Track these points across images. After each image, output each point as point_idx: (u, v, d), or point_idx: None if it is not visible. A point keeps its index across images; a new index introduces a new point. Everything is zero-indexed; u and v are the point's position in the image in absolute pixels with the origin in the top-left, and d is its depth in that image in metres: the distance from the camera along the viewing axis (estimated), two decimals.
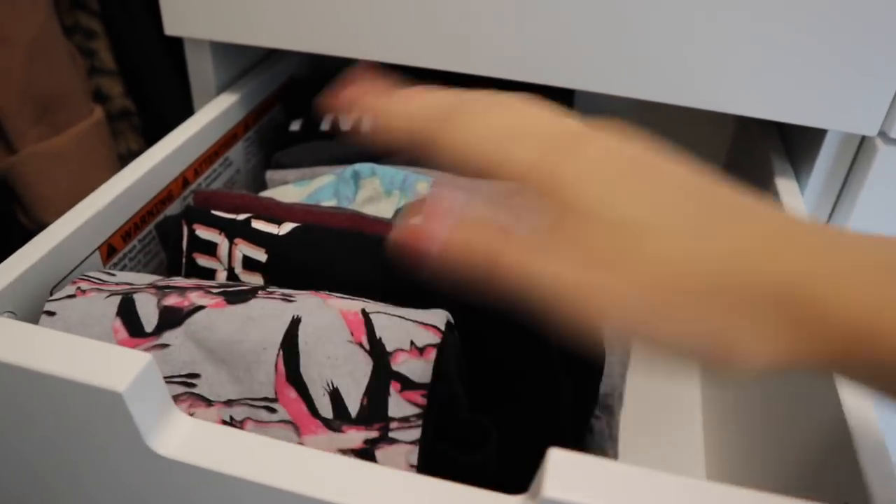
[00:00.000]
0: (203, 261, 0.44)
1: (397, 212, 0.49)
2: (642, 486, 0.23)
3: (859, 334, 0.22)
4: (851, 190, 0.51)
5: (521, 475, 0.38)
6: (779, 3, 0.45)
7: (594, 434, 0.45)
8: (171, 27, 0.55)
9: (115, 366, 0.27)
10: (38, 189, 0.60)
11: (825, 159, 0.52)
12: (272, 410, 0.34)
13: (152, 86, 0.74)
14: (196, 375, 0.35)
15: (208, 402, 0.35)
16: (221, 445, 0.28)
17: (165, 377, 0.35)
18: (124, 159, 0.73)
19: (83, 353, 0.27)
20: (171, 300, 0.37)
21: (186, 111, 0.76)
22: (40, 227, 0.62)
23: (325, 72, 0.73)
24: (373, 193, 0.49)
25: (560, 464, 0.24)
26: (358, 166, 0.50)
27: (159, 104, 0.75)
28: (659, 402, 0.62)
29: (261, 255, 0.43)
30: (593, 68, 0.50)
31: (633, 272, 0.25)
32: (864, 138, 0.51)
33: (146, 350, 0.35)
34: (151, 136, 0.76)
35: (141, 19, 0.72)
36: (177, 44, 0.61)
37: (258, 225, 0.44)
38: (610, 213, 0.25)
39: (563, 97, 0.61)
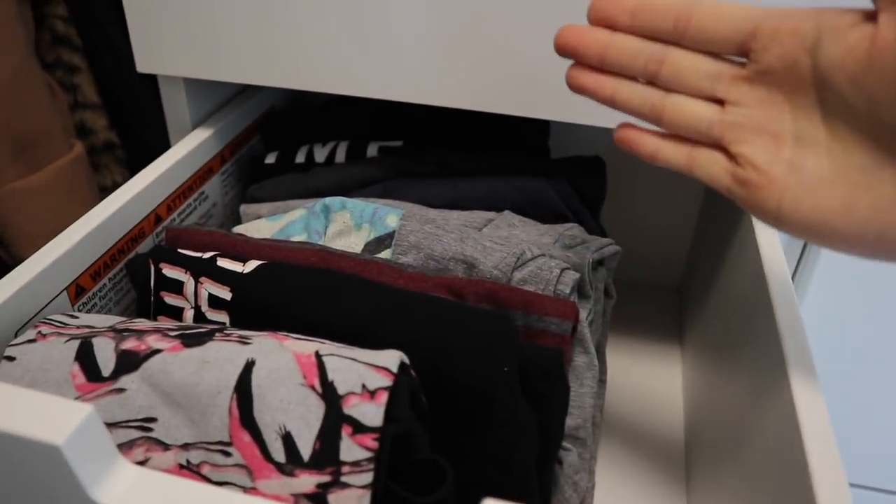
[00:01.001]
0: (170, 299, 0.44)
1: (367, 245, 0.49)
2: None
3: None
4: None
5: None
6: None
7: (564, 466, 0.45)
8: (143, 65, 0.55)
9: (54, 418, 0.27)
10: (17, 226, 0.60)
11: None
12: (227, 454, 0.34)
13: (136, 118, 0.74)
14: (153, 419, 0.35)
15: (165, 446, 0.35)
16: (166, 494, 0.28)
17: (122, 422, 0.35)
18: (109, 192, 0.74)
19: (23, 406, 0.27)
20: (129, 344, 0.37)
21: (170, 143, 0.77)
22: (19, 263, 0.63)
23: (305, 102, 0.74)
24: (343, 227, 0.49)
25: None
26: (328, 200, 0.50)
27: (143, 136, 0.75)
28: (639, 429, 0.61)
29: (225, 294, 0.43)
30: (568, 99, 0.50)
31: None
32: None
33: (103, 395, 0.35)
34: (136, 169, 0.76)
35: (124, 53, 0.72)
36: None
37: (223, 263, 0.44)
38: None
39: (538, 127, 0.62)
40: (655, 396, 0.64)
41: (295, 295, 0.42)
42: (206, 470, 0.34)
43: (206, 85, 0.59)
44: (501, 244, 0.46)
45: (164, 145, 0.77)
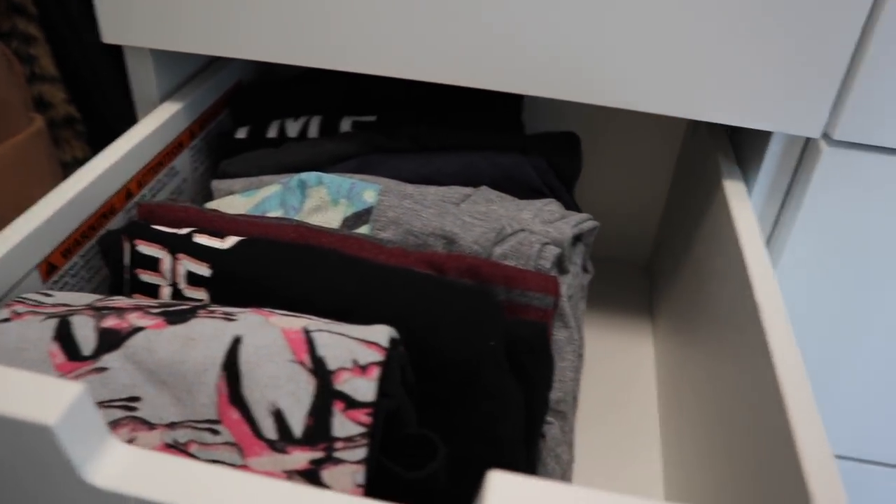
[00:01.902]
0: (146, 276, 0.43)
1: (345, 220, 0.48)
2: None
3: None
4: (797, 191, 0.52)
5: (469, 488, 0.38)
6: (722, 7, 0.46)
7: (547, 440, 0.45)
8: (108, 35, 0.54)
9: (45, 397, 0.26)
10: None
11: (771, 161, 0.52)
12: (215, 432, 0.33)
13: (96, 92, 0.72)
14: (137, 399, 0.34)
15: (150, 426, 0.34)
16: (161, 473, 0.27)
17: (105, 401, 0.34)
18: (69, 168, 0.72)
19: (10, 385, 0.26)
20: (110, 322, 0.36)
21: (132, 117, 0.75)
22: None
23: (274, 76, 0.72)
24: (319, 202, 0.49)
25: (501, 486, 0.24)
26: (304, 175, 0.49)
27: (104, 111, 0.73)
28: (613, 404, 0.62)
29: (204, 270, 0.42)
30: (542, 74, 0.50)
31: None
32: (808, 140, 0.52)
33: (84, 374, 0.35)
34: (97, 144, 0.74)
35: (81, 23, 0.70)
36: (120, 49, 0.60)
37: (201, 239, 0.43)
38: None
39: (512, 103, 0.61)
40: (628, 370, 0.65)
41: (277, 271, 0.41)
42: (193, 449, 0.34)
43: (173, 57, 0.58)
44: (481, 219, 0.46)
45: (125, 119, 0.74)
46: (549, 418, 0.45)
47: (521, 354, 0.39)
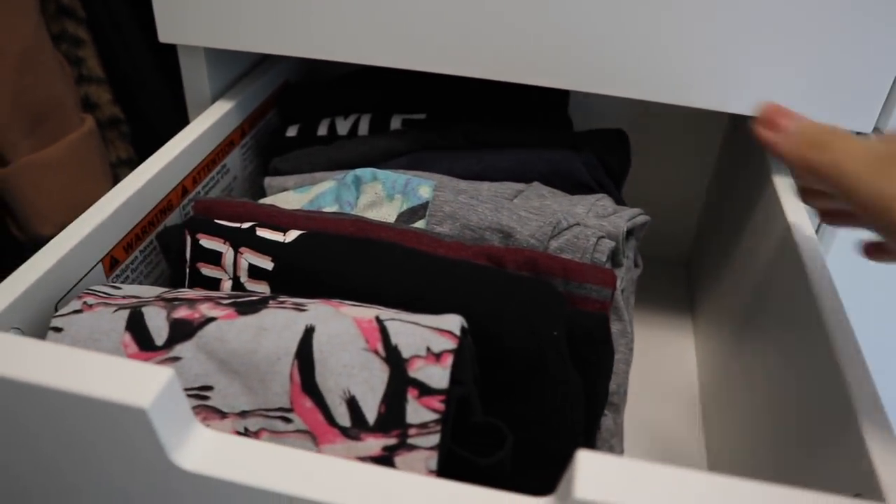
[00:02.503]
0: (207, 270, 0.44)
1: (400, 216, 0.49)
2: (672, 485, 0.23)
3: None
4: None
5: (534, 476, 0.38)
6: (775, 4, 0.46)
7: (602, 431, 0.45)
8: (165, 35, 0.55)
9: (138, 381, 0.27)
10: (31, 201, 0.59)
11: None
12: (288, 420, 0.34)
13: (141, 93, 0.74)
14: (209, 388, 0.35)
15: (222, 414, 0.35)
16: (245, 457, 0.28)
17: None
18: (114, 168, 0.73)
19: (103, 370, 0.27)
20: (181, 313, 0.36)
21: (176, 118, 0.76)
22: (34, 239, 0.62)
23: (320, 76, 0.73)
24: (375, 198, 0.49)
25: (590, 465, 0.24)
26: (359, 171, 0.50)
27: (148, 112, 0.74)
28: (656, 397, 0.62)
29: (267, 264, 0.43)
30: (587, 69, 0.50)
31: None
32: (858, 134, 0.51)
33: (157, 363, 0.35)
34: (141, 145, 0.75)
35: (128, 26, 0.71)
36: (165, 50, 0.61)
37: (263, 233, 0.43)
38: None
39: (558, 98, 0.62)
40: (669, 364, 0.65)
41: (339, 264, 0.42)
42: (264, 437, 0.34)
43: (225, 56, 0.59)
44: (536, 214, 0.47)
45: (168, 121, 0.76)
46: (604, 410, 0.46)
47: (583, 345, 0.40)
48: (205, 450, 0.28)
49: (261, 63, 0.66)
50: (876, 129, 0.50)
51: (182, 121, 0.76)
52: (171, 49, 0.59)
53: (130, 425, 0.27)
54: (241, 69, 0.63)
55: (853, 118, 0.49)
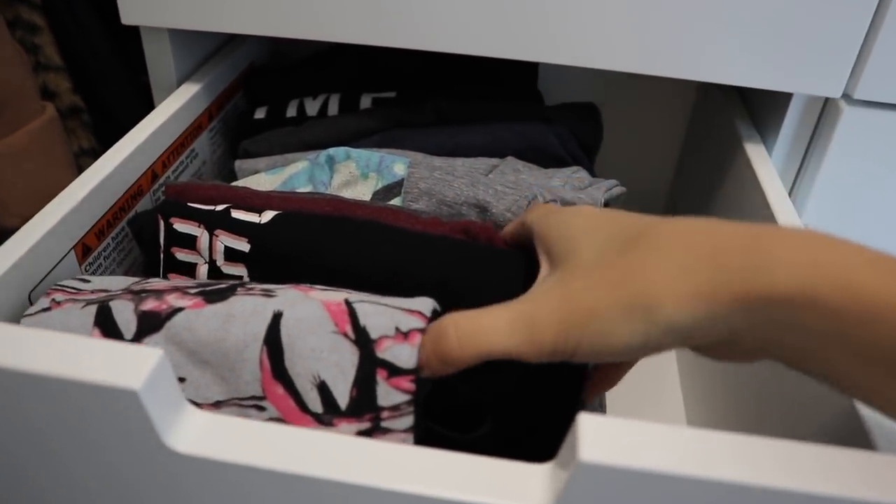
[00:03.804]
0: (182, 255, 0.43)
1: (375, 194, 0.48)
2: (677, 444, 0.24)
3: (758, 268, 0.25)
4: (817, 152, 0.53)
5: (520, 450, 0.38)
6: None
7: (587, 408, 0.46)
8: (127, 16, 0.53)
9: (128, 363, 0.26)
10: None
11: (791, 123, 0.53)
12: (261, 409, 0.33)
13: (101, 81, 0.72)
14: (181, 379, 0.34)
15: (196, 406, 0.34)
16: (238, 437, 0.27)
17: None
18: (77, 158, 0.71)
19: (92, 353, 0.26)
20: (149, 305, 0.36)
21: (138, 106, 0.74)
22: None
23: (286, 57, 0.72)
24: (349, 177, 0.49)
25: (592, 427, 0.24)
26: (332, 151, 0.49)
27: (110, 100, 0.73)
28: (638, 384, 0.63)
29: (243, 245, 0.42)
30: (554, 40, 0.50)
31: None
32: (827, 100, 0.52)
33: None
34: (102, 133, 0.73)
35: (85, 11, 0.69)
36: (125, 36, 0.59)
37: (238, 214, 0.43)
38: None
39: (528, 72, 0.62)
40: None
41: (318, 243, 0.41)
42: None
43: (189, 38, 0.57)
44: (512, 188, 0.47)
45: (130, 108, 0.74)
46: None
47: None
48: (197, 431, 0.28)
49: (226, 44, 0.64)
50: (845, 95, 0.51)
51: (144, 109, 0.74)
52: (131, 34, 0.57)
53: (122, 408, 0.26)
54: (207, 51, 0.61)
55: (822, 84, 0.49)
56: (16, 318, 0.38)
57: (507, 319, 0.31)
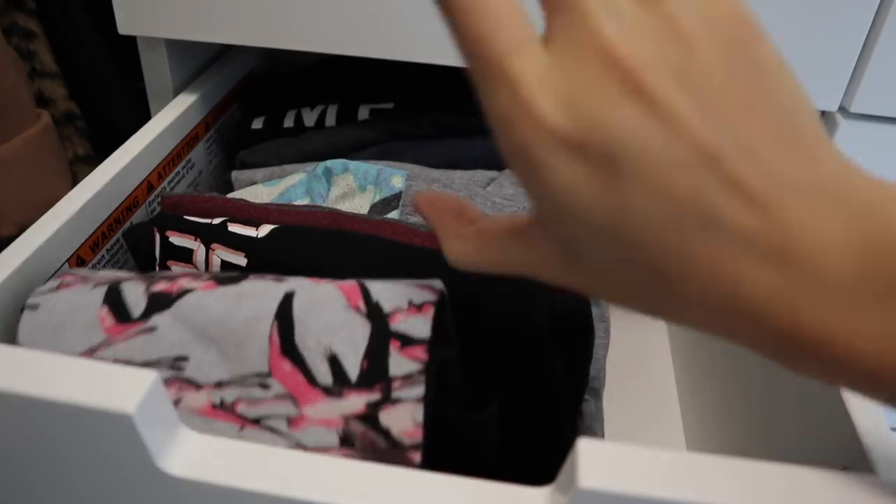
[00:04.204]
0: (178, 268, 0.43)
1: (372, 207, 0.48)
2: (676, 470, 0.23)
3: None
4: None
5: (519, 462, 0.38)
6: None
7: (584, 417, 0.45)
8: (124, 27, 0.53)
9: (121, 386, 0.26)
10: None
11: None
12: (266, 387, 0.33)
13: (97, 87, 0.72)
14: (184, 358, 0.34)
15: (197, 386, 0.34)
16: (233, 460, 0.27)
17: (152, 360, 0.34)
18: (71, 165, 0.71)
19: (84, 376, 0.26)
20: (160, 286, 0.36)
21: (133, 112, 0.74)
22: None
23: (283, 66, 0.72)
24: (346, 190, 0.49)
25: (592, 452, 0.24)
26: (329, 163, 0.49)
27: (105, 106, 0.72)
28: (632, 379, 0.63)
29: (240, 259, 0.42)
30: None
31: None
32: (823, 113, 0.52)
33: (133, 335, 0.34)
34: (97, 140, 0.73)
35: (81, 18, 0.69)
36: (120, 43, 0.59)
37: (235, 228, 0.43)
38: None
39: None
40: (643, 345, 0.66)
41: (315, 257, 0.41)
42: (241, 408, 0.33)
43: (187, 48, 0.57)
44: (510, 200, 0.47)
45: (126, 115, 0.74)
46: (585, 395, 0.46)
47: (565, 331, 0.40)
48: (192, 454, 0.27)
49: (223, 54, 0.64)
50: (841, 108, 0.51)
51: (139, 115, 0.74)
52: (127, 41, 0.57)
53: (115, 432, 0.26)
54: (203, 60, 0.61)
55: (819, 98, 0.50)
56: (9, 330, 0.37)
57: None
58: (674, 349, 0.66)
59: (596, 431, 0.46)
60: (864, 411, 0.32)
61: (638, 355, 0.65)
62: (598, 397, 0.47)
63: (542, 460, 0.40)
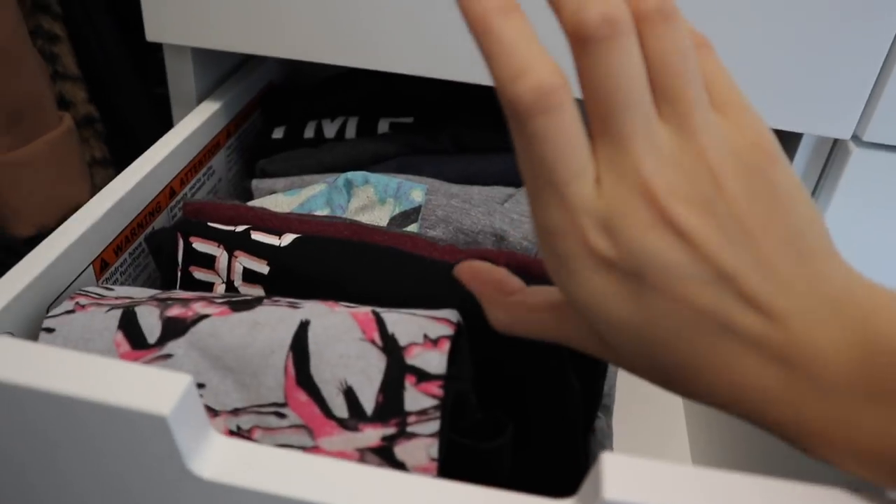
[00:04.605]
0: (200, 274, 0.44)
1: (392, 220, 0.49)
2: (698, 485, 0.24)
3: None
4: (825, 192, 0.54)
5: (533, 476, 0.39)
6: (754, 10, 0.47)
7: (596, 433, 0.46)
8: (152, 34, 0.54)
9: (157, 388, 0.26)
10: (8, 200, 0.58)
11: (800, 163, 0.54)
12: (281, 416, 0.33)
13: (116, 91, 0.72)
14: (201, 385, 0.35)
15: (214, 412, 0.34)
16: (262, 464, 0.28)
17: None
18: (89, 167, 0.71)
19: (120, 377, 0.27)
20: (175, 311, 0.36)
21: (151, 117, 0.75)
22: (11, 239, 0.60)
23: (304, 77, 0.73)
24: (366, 202, 0.49)
25: (616, 466, 0.25)
26: (350, 175, 0.50)
27: (124, 110, 0.73)
28: (639, 394, 0.63)
29: (262, 268, 0.42)
30: (573, 71, 0.51)
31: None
32: (836, 141, 0.53)
33: (149, 361, 0.35)
34: (115, 143, 0.74)
35: (103, 23, 0.70)
36: (140, 47, 0.60)
37: (258, 236, 0.43)
38: None
39: None
40: None
41: (337, 268, 0.42)
42: (257, 434, 0.34)
43: (211, 57, 0.58)
44: (529, 217, 0.47)
45: (144, 119, 0.75)
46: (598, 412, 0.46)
47: None
48: (223, 457, 0.28)
49: (245, 63, 0.65)
50: (854, 137, 0.52)
51: (157, 120, 0.75)
52: (147, 47, 0.58)
53: (148, 433, 0.26)
54: (227, 69, 0.62)
55: (832, 126, 0.50)
56: (34, 332, 0.38)
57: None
58: None
59: (606, 447, 0.47)
60: None
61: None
62: (608, 413, 0.48)
63: (555, 476, 0.40)
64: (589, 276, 0.26)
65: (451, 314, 0.35)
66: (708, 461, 0.54)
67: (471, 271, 0.36)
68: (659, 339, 0.26)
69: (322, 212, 0.50)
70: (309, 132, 0.58)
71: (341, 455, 0.33)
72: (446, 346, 0.33)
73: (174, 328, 0.35)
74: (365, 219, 0.49)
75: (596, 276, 0.26)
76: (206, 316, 0.36)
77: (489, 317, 0.34)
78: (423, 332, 0.34)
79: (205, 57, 0.57)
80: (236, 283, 0.43)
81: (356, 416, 0.32)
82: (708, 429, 0.55)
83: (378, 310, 0.36)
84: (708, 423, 0.56)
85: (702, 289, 0.25)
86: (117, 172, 0.46)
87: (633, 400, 0.63)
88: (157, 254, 0.46)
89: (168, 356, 0.35)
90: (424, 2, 0.50)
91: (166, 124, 0.60)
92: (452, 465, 0.33)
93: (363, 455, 0.32)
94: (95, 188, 0.67)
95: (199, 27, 0.53)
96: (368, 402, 0.32)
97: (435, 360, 0.33)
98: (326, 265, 0.42)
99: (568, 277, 0.27)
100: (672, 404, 0.63)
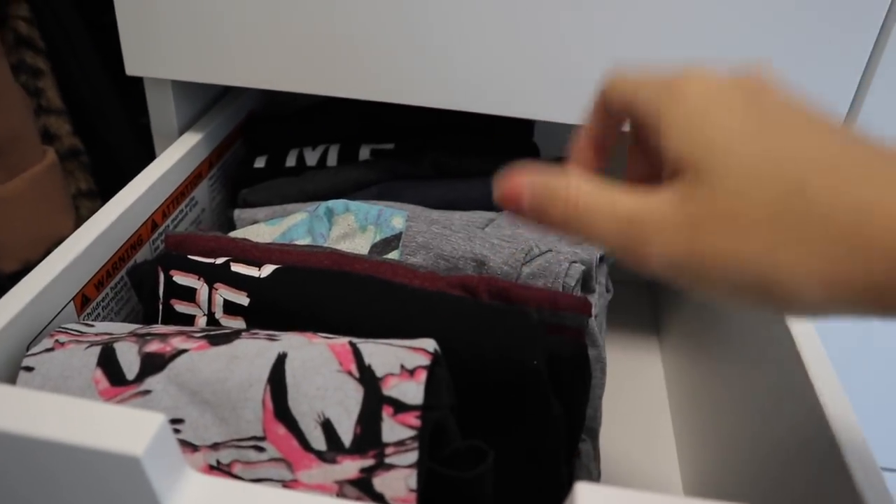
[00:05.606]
0: (181, 307, 0.44)
1: (373, 247, 0.49)
2: None
3: None
4: None
5: (516, 502, 0.38)
6: (739, 7, 0.47)
7: (581, 457, 0.46)
8: (132, 68, 0.54)
9: (129, 428, 0.26)
10: None
11: None
12: (260, 450, 0.33)
13: (101, 123, 0.73)
14: (180, 420, 0.34)
15: (194, 448, 0.34)
16: (238, 502, 0.28)
17: None
18: (75, 199, 0.71)
19: (91, 417, 0.27)
20: (153, 347, 0.36)
21: (137, 147, 0.75)
22: None
23: (284, 107, 0.73)
24: (347, 230, 0.49)
25: (589, 497, 0.24)
26: (331, 203, 0.50)
27: (109, 141, 0.73)
28: (628, 418, 0.63)
29: (242, 299, 0.42)
30: (552, 98, 0.51)
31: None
32: None
33: (128, 398, 0.35)
34: (101, 175, 0.74)
35: (87, 55, 0.70)
36: (124, 80, 0.60)
37: (238, 268, 0.43)
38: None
39: (524, 125, 0.63)
40: (639, 386, 0.67)
41: (316, 298, 0.42)
42: (237, 469, 0.34)
43: (191, 88, 0.58)
44: (508, 241, 0.47)
45: (129, 151, 0.75)
46: (582, 436, 0.46)
47: (563, 373, 0.40)
48: (198, 496, 0.28)
49: (226, 94, 0.65)
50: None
51: (142, 150, 0.75)
52: (131, 79, 0.58)
53: (122, 475, 0.26)
54: (207, 100, 0.62)
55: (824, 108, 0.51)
56: (14, 370, 0.38)
57: (619, 218, 0.28)
58: (669, 389, 0.66)
59: (592, 471, 0.46)
60: (855, 452, 0.33)
61: (633, 395, 0.66)
62: (594, 437, 0.48)
63: (538, 500, 0.40)
64: None
65: (428, 343, 0.35)
66: (698, 485, 0.54)
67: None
68: None
69: (303, 240, 0.50)
70: (291, 160, 0.59)
71: (320, 488, 0.32)
72: (423, 376, 0.33)
73: (153, 364, 0.35)
74: (346, 246, 0.49)
75: None
76: (184, 351, 0.36)
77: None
78: (400, 362, 0.34)
79: (185, 89, 0.58)
80: (217, 316, 0.43)
81: (334, 449, 0.32)
82: (698, 450, 0.55)
83: (355, 340, 0.36)
84: (698, 444, 0.56)
85: None
86: (104, 203, 0.46)
87: (622, 422, 0.63)
88: (139, 288, 0.46)
89: (147, 392, 0.35)
90: (402, 31, 0.50)
91: (152, 154, 0.60)
92: (434, 495, 0.33)
93: (342, 487, 0.32)
94: (81, 220, 0.67)
95: (178, 60, 0.53)
96: (346, 434, 0.32)
97: (412, 391, 0.33)
98: (306, 295, 0.42)
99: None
100: (662, 426, 0.63)
